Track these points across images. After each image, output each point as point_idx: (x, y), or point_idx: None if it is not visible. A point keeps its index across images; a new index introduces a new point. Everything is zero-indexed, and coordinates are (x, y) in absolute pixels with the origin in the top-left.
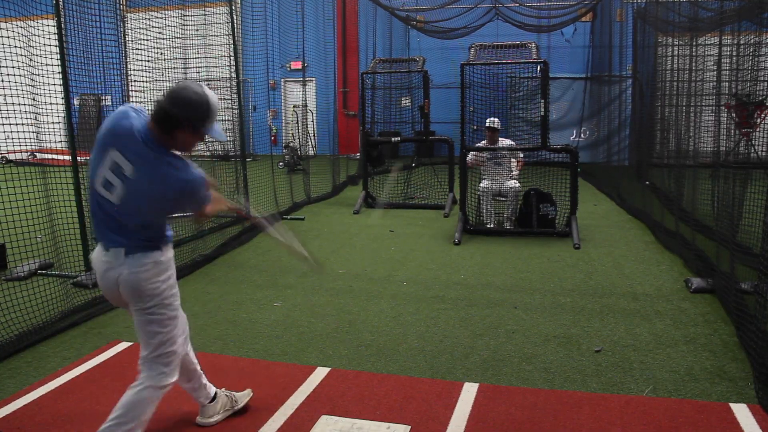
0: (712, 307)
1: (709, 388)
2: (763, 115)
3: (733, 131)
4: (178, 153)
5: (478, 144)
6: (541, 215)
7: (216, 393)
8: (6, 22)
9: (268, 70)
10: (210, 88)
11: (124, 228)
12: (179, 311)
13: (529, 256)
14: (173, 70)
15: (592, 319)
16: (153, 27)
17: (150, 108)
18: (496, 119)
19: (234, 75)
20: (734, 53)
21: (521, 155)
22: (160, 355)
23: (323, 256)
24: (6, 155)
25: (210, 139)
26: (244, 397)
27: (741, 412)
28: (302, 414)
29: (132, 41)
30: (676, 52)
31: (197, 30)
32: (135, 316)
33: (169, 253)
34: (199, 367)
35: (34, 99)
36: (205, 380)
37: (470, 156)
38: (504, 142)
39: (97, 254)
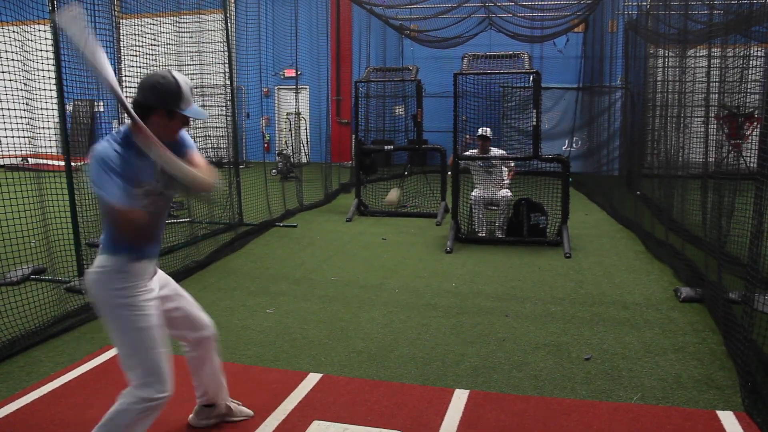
0: (701, 316)
1: (697, 396)
2: (752, 127)
3: (723, 142)
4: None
5: (469, 152)
6: (532, 225)
7: (221, 403)
8: (1, 27)
9: (261, 77)
10: (204, 95)
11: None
12: (141, 328)
13: (521, 264)
14: None
15: (582, 328)
16: (147, 33)
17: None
18: (487, 128)
19: (228, 82)
20: (724, 66)
21: (512, 164)
22: (123, 365)
23: (316, 263)
24: None
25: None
26: (242, 413)
27: (727, 419)
28: (294, 420)
29: (126, 47)
30: (666, 64)
31: (191, 37)
32: None
33: (118, 263)
34: (211, 374)
35: (27, 104)
36: (213, 389)
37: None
38: (495, 152)
39: None
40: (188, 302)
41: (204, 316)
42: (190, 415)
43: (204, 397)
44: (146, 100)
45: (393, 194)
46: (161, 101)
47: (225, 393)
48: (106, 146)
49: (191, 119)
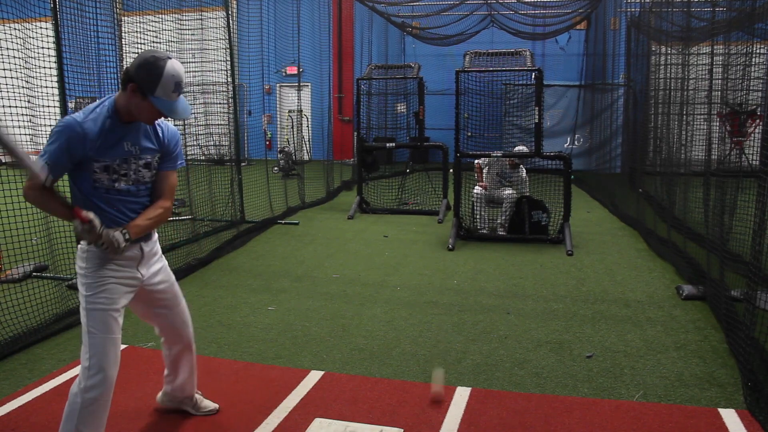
0: (703, 313)
1: (699, 394)
2: (754, 125)
3: (725, 140)
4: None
5: (497, 152)
6: (533, 222)
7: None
8: (2, 24)
9: (263, 74)
10: (205, 93)
11: None
12: (103, 312)
13: (522, 262)
14: None
15: (584, 325)
16: (149, 31)
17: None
18: (525, 148)
19: (230, 79)
20: (726, 63)
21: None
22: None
23: (318, 260)
24: (0, 157)
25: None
26: (206, 408)
27: (729, 417)
28: (296, 417)
29: (128, 45)
30: (669, 61)
31: (193, 34)
32: None
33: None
34: (184, 372)
35: (29, 101)
36: (187, 392)
37: (480, 161)
38: (523, 172)
39: None
40: (178, 313)
41: (185, 333)
42: (159, 394)
43: (176, 392)
44: (131, 67)
45: (437, 385)
46: (138, 77)
47: (195, 387)
48: (74, 118)
49: (165, 112)
